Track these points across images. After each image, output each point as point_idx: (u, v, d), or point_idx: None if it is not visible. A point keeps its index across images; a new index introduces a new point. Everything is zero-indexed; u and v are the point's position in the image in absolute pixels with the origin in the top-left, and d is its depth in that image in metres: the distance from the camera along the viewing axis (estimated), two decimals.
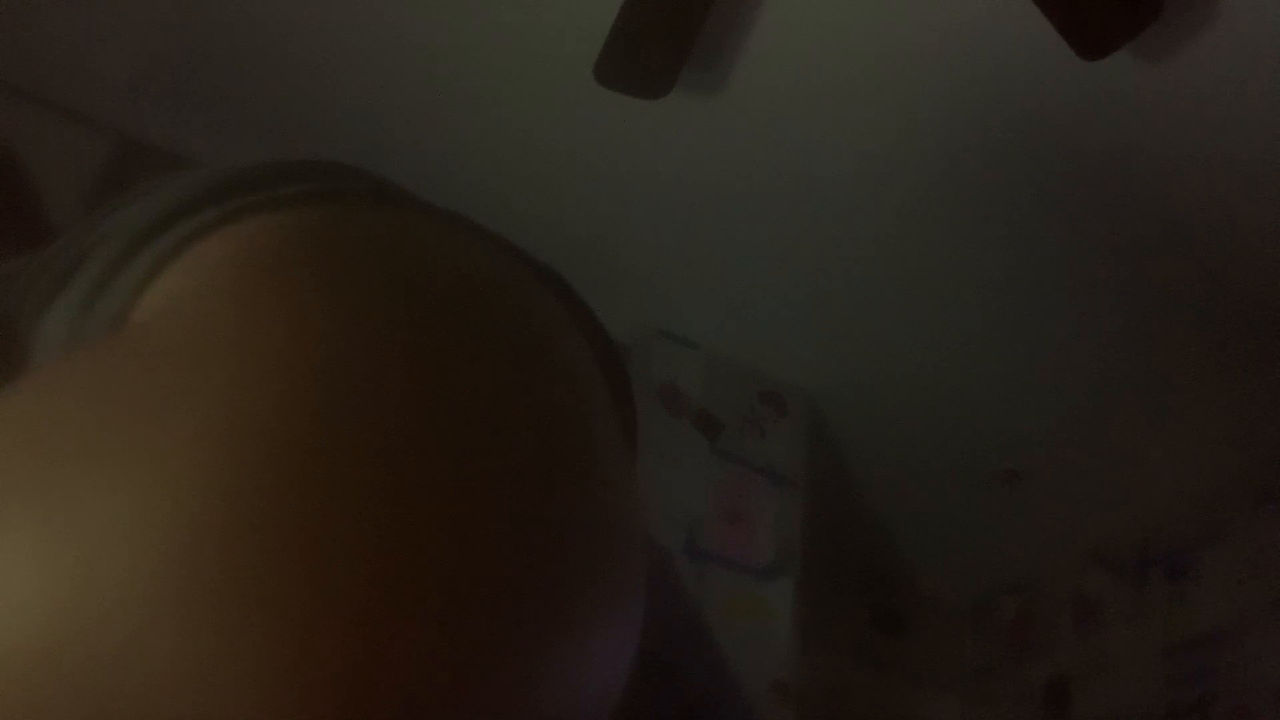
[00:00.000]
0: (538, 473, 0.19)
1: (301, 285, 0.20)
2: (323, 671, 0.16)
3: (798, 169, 2.00)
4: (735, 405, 2.34)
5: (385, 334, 0.19)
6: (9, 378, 0.23)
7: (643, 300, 2.32)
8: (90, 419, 0.18)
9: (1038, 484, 2.61)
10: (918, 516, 2.80)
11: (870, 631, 2.98)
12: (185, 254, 0.22)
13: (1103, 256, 2.06)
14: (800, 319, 2.33)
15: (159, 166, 2.00)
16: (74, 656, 0.16)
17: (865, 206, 2.06)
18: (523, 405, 0.20)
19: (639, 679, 0.34)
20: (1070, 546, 2.76)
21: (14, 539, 0.17)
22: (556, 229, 2.19)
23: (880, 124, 1.90)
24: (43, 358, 0.24)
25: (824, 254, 2.17)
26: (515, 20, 1.81)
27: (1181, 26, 1.66)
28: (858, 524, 2.84)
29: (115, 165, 1.97)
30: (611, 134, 1.98)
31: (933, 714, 2.92)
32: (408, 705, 0.17)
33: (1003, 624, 2.94)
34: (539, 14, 1.79)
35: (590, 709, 0.19)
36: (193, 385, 0.18)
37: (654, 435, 2.19)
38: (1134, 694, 2.53)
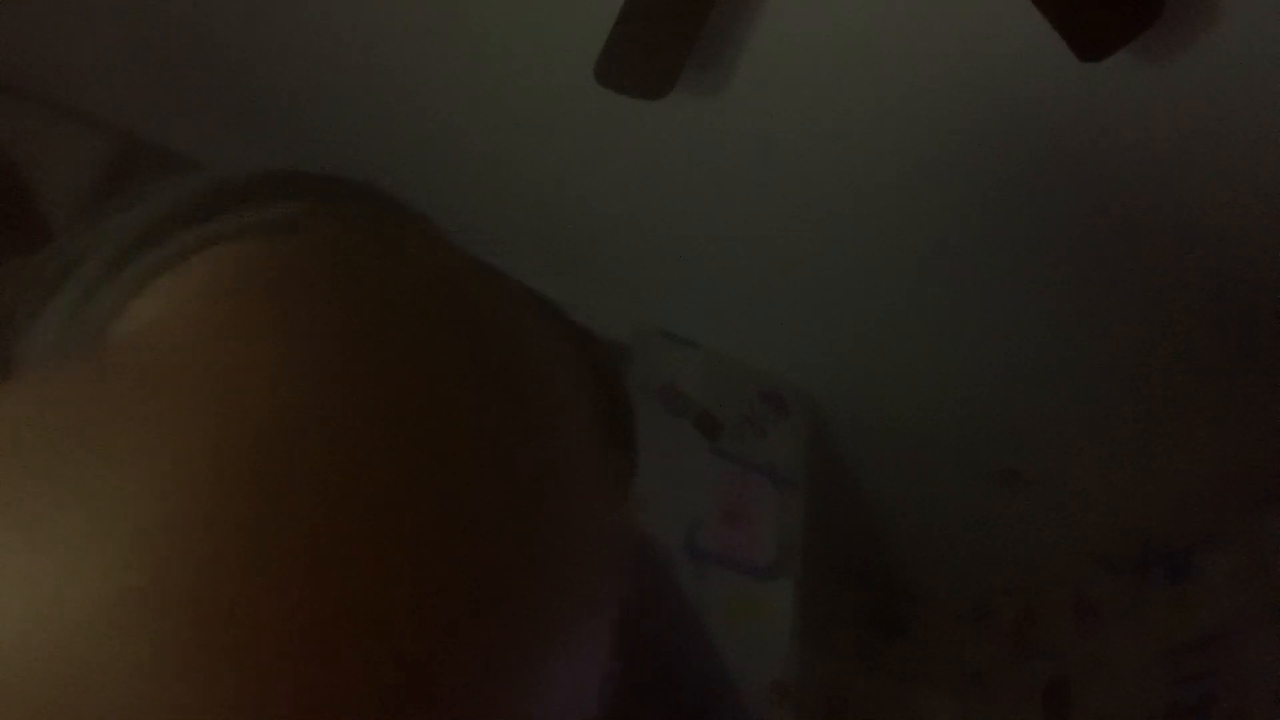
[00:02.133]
0: (505, 499, 0.20)
1: (277, 315, 0.20)
2: (290, 699, 0.16)
3: (797, 169, 2.00)
4: (735, 405, 2.34)
5: (354, 366, 0.19)
6: (2, 383, 0.23)
7: (643, 300, 2.33)
8: (61, 436, 0.19)
9: (1038, 484, 2.61)
10: (918, 516, 2.80)
11: (870, 632, 2.98)
12: (165, 275, 0.22)
13: (1102, 257, 2.07)
14: (800, 319, 2.33)
15: (159, 166, 2.00)
16: (37, 675, 0.16)
17: (865, 206, 2.06)
18: (490, 432, 0.20)
19: (638, 678, 0.34)
20: (1070, 546, 2.76)
21: None
22: (557, 228, 2.19)
23: (879, 125, 1.90)
24: (34, 363, 0.24)
25: (824, 254, 2.17)
26: (516, 21, 1.81)
27: (1182, 28, 1.66)
28: (858, 524, 2.84)
29: (115, 165, 1.98)
30: (611, 134, 1.98)
31: (932, 714, 2.92)
32: None
33: (1003, 624, 2.95)
34: (539, 14, 1.79)
35: None
36: (163, 409, 0.18)
37: (654, 435, 2.19)
38: (1134, 694, 2.53)
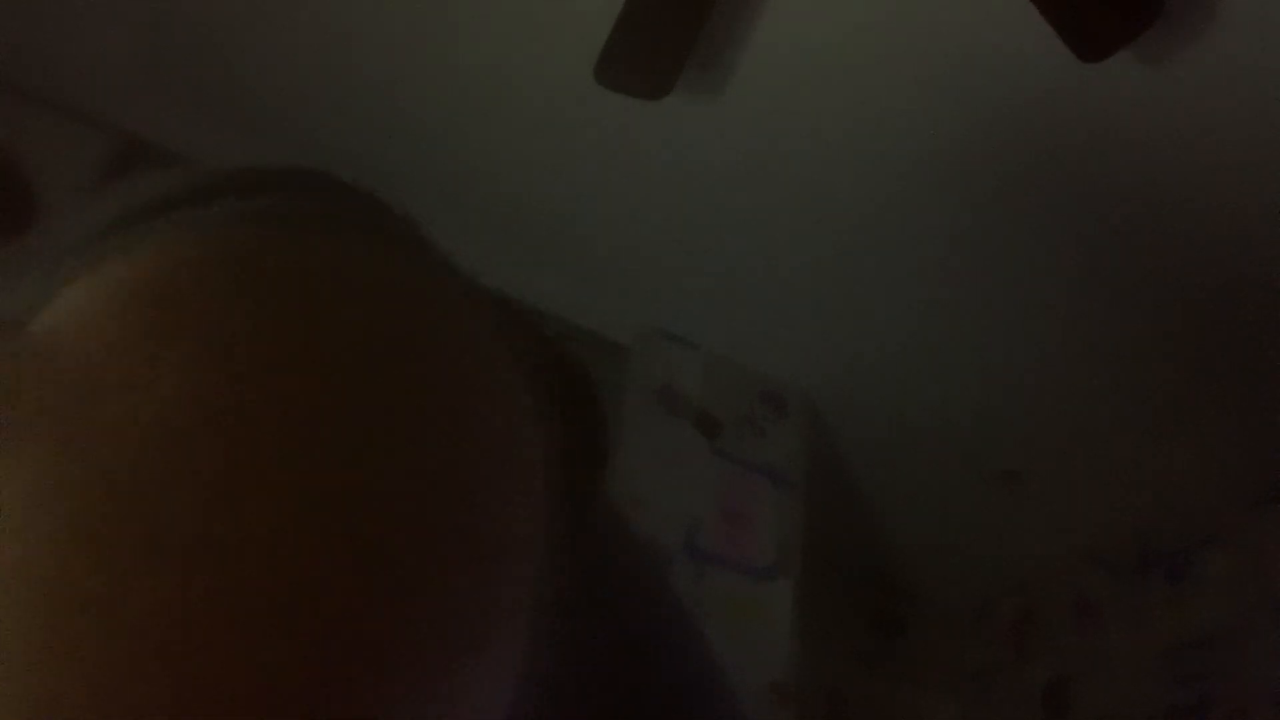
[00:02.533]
0: (416, 504, 0.19)
1: (171, 321, 0.20)
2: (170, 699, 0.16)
3: (797, 170, 2.00)
4: (735, 405, 2.34)
5: (254, 391, 0.19)
6: None
7: (643, 300, 2.32)
8: None
9: (1038, 484, 2.61)
10: (918, 517, 2.79)
11: (870, 632, 2.98)
12: (88, 270, 0.22)
13: (1101, 258, 2.06)
14: (800, 319, 2.33)
15: (160, 166, 2.00)
16: None
17: (865, 207, 2.06)
18: (391, 433, 0.20)
19: (637, 679, 0.34)
20: (1070, 547, 2.76)
21: None
22: (557, 229, 2.19)
23: (879, 125, 1.90)
24: None
25: (824, 254, 2.17)
26: (515, 21, 1.81)
27: (1182, 28, 1.66)
28: (858, 524, 2.84)
29: (116, 165, 1.98)
30: (611, 135, 1.98)
31: (932, 714, 2.92)
32: None
33: (1003, 624, 2.94)
34: (539, 14, 1.79)
35: None
36: (42, 419, 0.18)
37: (654, 435, 2.19)
38: (1134, 695, 2.53)
